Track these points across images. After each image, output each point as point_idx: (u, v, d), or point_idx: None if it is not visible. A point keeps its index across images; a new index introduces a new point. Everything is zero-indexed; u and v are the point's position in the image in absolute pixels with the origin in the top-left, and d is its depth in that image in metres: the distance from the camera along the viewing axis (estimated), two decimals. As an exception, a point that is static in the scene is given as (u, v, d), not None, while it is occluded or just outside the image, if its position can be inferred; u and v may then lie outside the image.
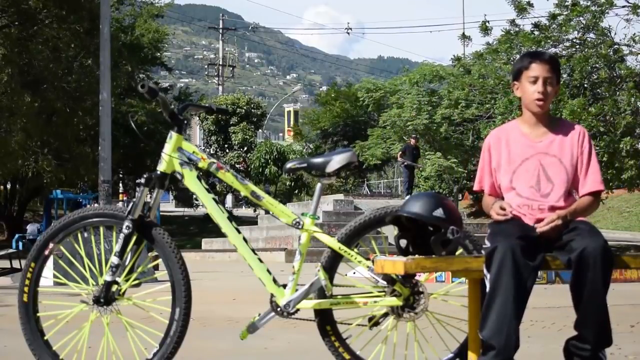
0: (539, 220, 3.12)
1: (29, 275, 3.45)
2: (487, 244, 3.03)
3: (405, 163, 22.63)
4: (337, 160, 3.34)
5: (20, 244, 20.71)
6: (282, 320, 3.51)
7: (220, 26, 52.37)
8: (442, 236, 3.03)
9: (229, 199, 40.53)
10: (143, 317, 3.47)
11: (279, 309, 3.32)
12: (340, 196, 23.94)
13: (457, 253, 3.19)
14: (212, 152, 34.72)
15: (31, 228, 25.08)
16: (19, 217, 32.73)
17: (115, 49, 22.14)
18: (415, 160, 22.97)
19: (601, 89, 16.68)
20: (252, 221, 28.09)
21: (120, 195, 33.12)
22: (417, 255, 3.07)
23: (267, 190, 33.67)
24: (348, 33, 53.80)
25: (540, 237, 3.08)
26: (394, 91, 29.74)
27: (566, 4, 16.87)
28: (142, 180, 3.37)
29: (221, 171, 3.41)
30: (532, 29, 17.25)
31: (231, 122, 35.33)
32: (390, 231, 3.62)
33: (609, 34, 16.55)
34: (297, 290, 3.33)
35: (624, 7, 16.49)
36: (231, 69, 51.84)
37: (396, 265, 3.00)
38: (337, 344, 3.39)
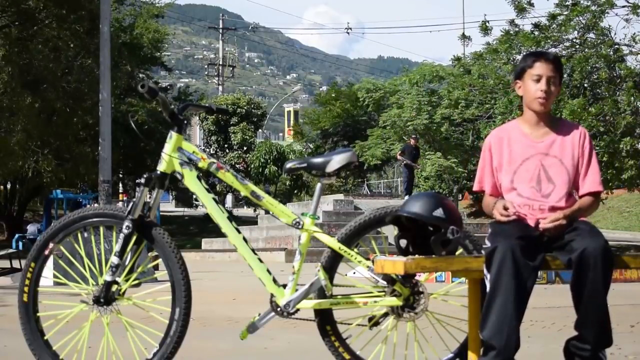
0: (539, 220, 3.12)
1: (29, 275, 3.45)
2: (487, 244, 3.03)
3: (405, 162, 22.64)
4: (337, 160, 3.34)
5: (20, 244, 20.70)
6: (282, 320, 3.51)
7: (220, 26, 52.36)
8: (442, 236, 3.03)
9: (229, 199, 40.53)
10: (143, 317, 3.47)
11: (279, 309, 3.32)
12: (340, 196, 23.93)
13: (457, 253, 3.19)
14: (212, 152, 34.71)
15: (31, 228, 25.07)
16: (19, 217, 32.71)
17: (115, 48, 22.15)
18: (414, 160, 22.97)
19: (601, 89, 16.67)
20: (252, 221, 28.09)
21: (120, 195, 33.12)
22: (417, 255, 3.07)
23: (267, 190, 33.67)
24: (348, 33, 53.89)
25: (540, 237, 3.08)
26: (393, 91, 29.74)
27: (566, 3, 16.87)
28: (142, 180, 3.37)
29: (221, 171, 3.41)
30: (532, 29, 17.25)
31: (231, 122, 35.32)
32: (390, 231, 3.62)
33: (609, 34, 16.55)
34: (297, 290, 3.33)
35: (624, 7, 16.50)
36: (231, 69, 51.84)
37: (396, 265, 3.00)
38: (337, 344, 3.39)
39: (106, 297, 3.35)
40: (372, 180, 44.34)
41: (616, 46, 16.43)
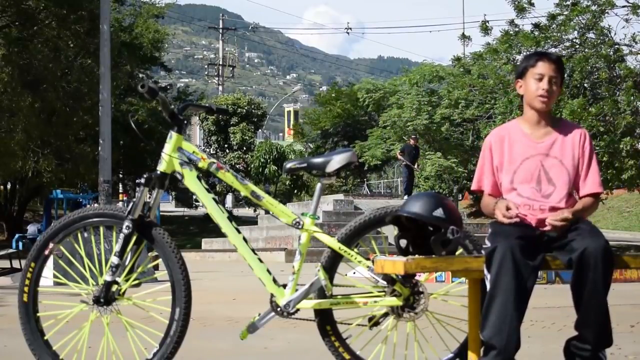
0: (540, 220, 3.13)
1: (29, 275, 3.45)
2: (487, 244, 3.03)
3: (404, 163, 22.67)
4: (337, 160, 3.34)
5: (20, 244, 20.70)
6: (282, 320, 3.51)
7: (220, 26, 52.36)
8: (442, 236, 3.03)
9: (229, 199, 40.52)
10: (143, 317, 3.47)
11: (279, 309, 3.32)
12: (340, 196, 23.93)
13: (457, 253, 3.19)
14: (212, 152, 34.70)
15: (32, 228, 25.07)
16: (19, 217, 32.71)
17: (115, 48, 22.15)
18: (414, 159, 22.99)
19: (601, 89, 16.67)
20: (252, 221, 28.09)
21: (120, 195, 33.12)
22: (417, 255, 3.07)
23: (267, 190, 33.66)
24: (348, 33, 53.85)
25: (540, 237, 3.08)
26: (393, 91, 29.74)
27: (566, 3, 16.86)
28: (142, 180, 3.37)
29: (221, 171, 3.41)
30: (532, 29, 17.25)
31: (231, 123, 35.32)
32: (390, 231, 3.61)
33: (609, 34, 16.55)
34: (297, 290, 3.33)
35: (624, 7, 16.49)
36: (231, 69, 51.83)
37: (396, 265, 3.00)
38: (337, 344, 3.39)
39: (106, 297, 3.35)
40: (372, 180, 44.34)
41: (616, 46, 16.43)
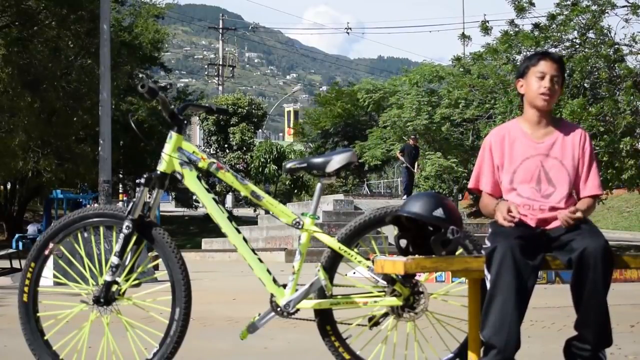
0: (540, 220, 3.13)
1: (29, 275, 3.45)
2: (487, 244, 3.03)
3: (404, 165, 22.72)
4: (337, 160, 3.34)
5: (20, 244, 20.70)
6: (282, 320, 3.51)
7: (220, 26, 52.35)
8: (442, 236, 3.03)
9: (229, 199, 40.52)
10: (143, 317, 3.47)
11: (279, 309, 3.32)
12: (340, 196, 23.93)
13: (457, 253, 3.19)
14: (212, 152, 34.69)
15: (31, 228, 25.08)
16: (19, 217, 32.70)
17: (115, 48, 22.15)
18: (414, 159, 23.01)
19: (601, 88, 16.67)
20: (252, 221, 28.08)
21: (120, 195, 33.12)
22: (417, 255, 3.07)
23: (267, 190, 33.65)
24: (348, 33, 53.85)
25: (540, 237, 3.08)
26: (393, 92, 29.72)
27: (566, 3, 16.86)
28: (142, 180, 3.37)
29: (221, 171, 3.41)
30: (532, 29, 17.25)
31: (231, 123, 35.31)
32: (390, 231, 3.61)
33: (608, 33, 16.54)
34: (297, 290, 3.33)
35: (624, 7, 16.49)
36: (231, 69, 51.81)
37: (396, 265, 3.00)
38: (337, 344, 3.39)
39: (106, 297, 3.35)
40: (372, 180, 44.35)
41: (616, 46, 16.43)
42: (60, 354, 3.47)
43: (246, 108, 35.66)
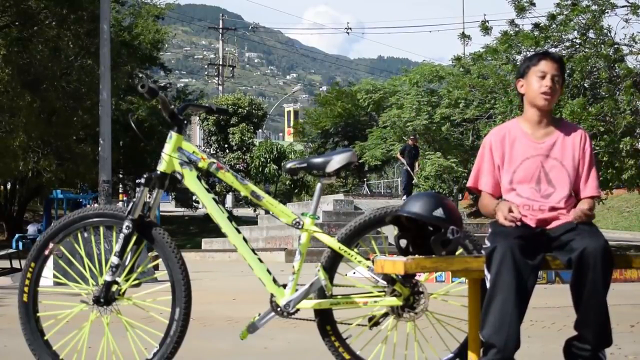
0: (540, 220, 3.13)
1: (29, 275, 3.45)
2: (487, 243, 3.03)
3: (405, 168, 22.77)
4: (337, 160, 3.34)
5: (20, 244, 20.71)
6: (282, 320, 3.51)
7: (220, 26, 52.35)
8: (442, 236, 3.03)
9: (229, 199, 40.51)
10: (143, 317, 3.47)
11: (279, 309, 3.32)
12: (340, 196, 23.94)
13: (457, 253, 3.19)
14: (212, 152, 34.69)
15: (31, 228, 25.08)
16: (19, 217, 32.69)
17: (115, 48, 22.15)
18: (414, 159, 23.02)
19: (601, 88, 16.66)
20: (252, 221, 28.08)
21: (120, 195, 33.12)
22: (417, 255, 3.07)
23: (267, 190, 33.64)
24: (348, 33, 53.84)
25: (540, 237, 3.08)
26: (393, 92, 29.72)
27: (565, 3, 16.86)
28: (142, 180, 3.37)
29: (221, 171, 3.41)
30: (532, 29, 17.25)
31: (231, 123, 35.30)
32: (390, 231, 3.62)
33: (608, 33, 16.54)
34: (297, 290, 3.33)
35: (623, 7, 16.49)
36: (231, 69, 51.80)
37: (396, 265, 3.00)
38: (337, 343, 3.39)
39: (106, 297, 3.35)
40: (372, 181, 44.34)
41: (616, 46, 16.43)
42: (60, 354, 3.47)
43: (246, 108, 35.64)
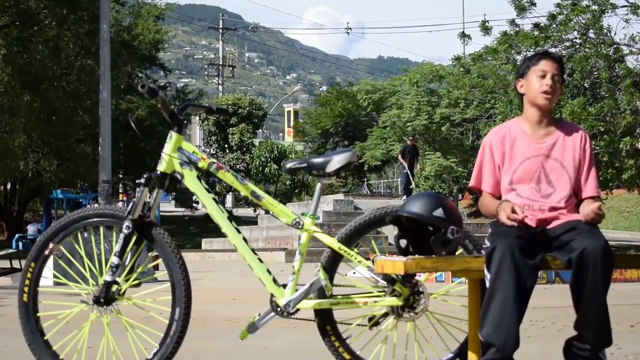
0: (540, 221, 3.13)
1: (29, 275, 3.45)
2: (487, 243, 3.03)
3: (405, 170, 22.82)
4: (337, 160, 3.34)
5: (20, 244, 20.71)
6: (282, 320, 3.51)
7: (220, 26, 52.35)
8: (442, 236, 3.03)
9: (229, 199, 40.50)
10: (143, 317, 3.48)
11: (279, 309, 3.32)
12: (340, 196, 23.93)
13: (457, 253, 3.19)
14: (211, 152, 34.68)
15: (31, 228, 25.08)
16: (19, 217, 32.69)
17: (115, 48, 22.15)
18: (414, 159, 23.03)
19: (601, 88, 16.66)
20: (252, 221, 28.08)
21: (120, 195, 33.11)
22: (417, 255, 3.07)
23: (267, 190, 33.63)
24: (348, 33, 53.84)
25: (540, 236, 3.08)
26: (393, 92, 29.72)
27: (565, 3, 16.86)
28: (142, 180, 3.37)
29: (221, 171, 3.41)
30: (532, 29, 17.25)
31: (231, 123, 35.30)
32: (390, 231, 3.62)
33: (608, 33, 16.54)
34: (297, 290, 3.33)
35: (623, 7, 16.49)
36: (231, 69, 51.80)
37: (396, 265, 3.00)
38: (337, 343, 3.39)
39: (106, 297, 3.35)
40: (372, 181, 44.34)
41: (616, 46, 16.43)
42: (60, 354, 3.47)
43: (247, 108, 35.65)
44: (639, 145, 16.43)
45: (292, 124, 60.51)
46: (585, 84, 16.93)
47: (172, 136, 3.40)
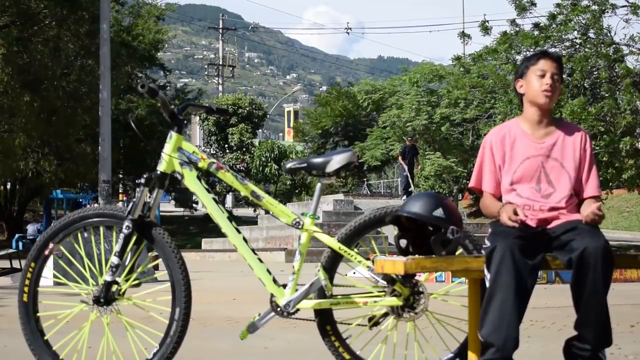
0: (540, 220, 3.13)
1: (29, 275, 3.45)
2: (487, 243, 3.03)
3: (405, 173, 22.85)
4: (337, 160, 3.34)
5: (20, 244, 20.71)
6: (282, 320, 3.51)
7: (220, 26, 52.35)
8: (442, 236, 3.03)
9: (229, 199, 40.50)
10: (143, 317, 3.48)
11: (279, 309, 3.32)
12: (340, 196, 23.93)
13: (457, 253, 3.19)
14: (211, 152, 34.68)
15: (31, 228, 25.09)
16: (19, 217, 32.70)
17: (115, 48, 22.16)
18: (413, 160, 23.05)
19: (601, 88, 16.66)
20: (252, 221, 28.08)
21: (120, 195, 33.12)
22: (417, 255, 3.07)
23: (267, 190, 33.64)
24: (348, 33, 53.84)
25: (540, 236, 3.08)
26: (393, 92, 29.72)
27: (565, 3, 16.86)
28: (142, 180, 3.37)
29: (221, 171, 3.41)
30: (532, 29, 17.25)
31: (231, 123, 35.30)
32: (390, 231, 3.62)
33: (608, 33, 16.54)
34: (297, 290, 3.33)
35: (623, 7, 16.49)
36: (231, 69, 51.80)
37: (396, 265, 3.00)
38: (337, 343, 3.39)
39: (106, 297, 3.35)
40: (372, 181, 44.33)
41: (616, 46, 16.42)
42: (60, 354, 3.47)
43: (247, 108, 35.64)
44: (639, 145, 16.43)
45: (292, 124, 60.52)
46: (585, 84, 16.92)
47: (172, 136, 3.40)
